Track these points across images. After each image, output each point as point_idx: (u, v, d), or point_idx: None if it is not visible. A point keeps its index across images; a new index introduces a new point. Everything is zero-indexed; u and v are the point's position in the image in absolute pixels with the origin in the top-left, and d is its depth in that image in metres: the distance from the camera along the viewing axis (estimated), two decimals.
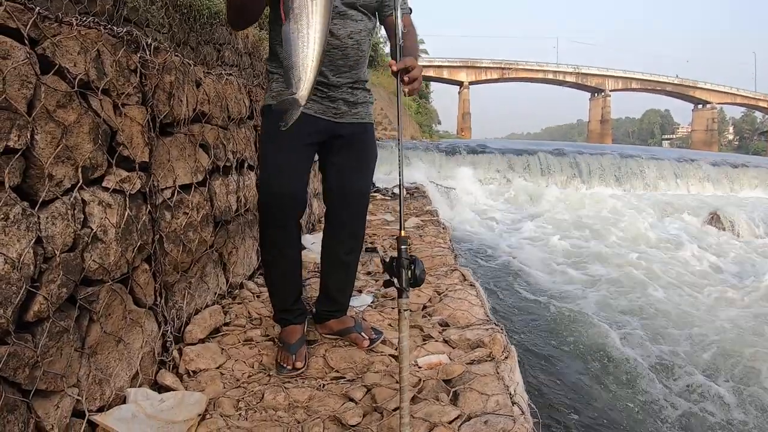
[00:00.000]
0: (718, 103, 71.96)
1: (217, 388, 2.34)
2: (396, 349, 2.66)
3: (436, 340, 2.80)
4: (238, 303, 3.18)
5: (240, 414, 2.18)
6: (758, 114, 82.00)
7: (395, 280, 1.92)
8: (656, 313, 6.16)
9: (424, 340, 2.82)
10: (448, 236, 5.23)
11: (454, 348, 2.72)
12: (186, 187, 2.73)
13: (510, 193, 15.61)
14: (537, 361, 4.37)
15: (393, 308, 3.21)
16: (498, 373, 2.46)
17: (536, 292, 6.48)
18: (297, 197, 2.42)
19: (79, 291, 1.86)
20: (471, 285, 3.64)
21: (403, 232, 1.95)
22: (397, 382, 2.34)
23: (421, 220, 6.16)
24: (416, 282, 1.90)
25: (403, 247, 1.91)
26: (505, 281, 6.74)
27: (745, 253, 10.47)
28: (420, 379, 2.38)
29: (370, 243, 5.09)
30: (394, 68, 2.15)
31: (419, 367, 2.51)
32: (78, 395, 1.84)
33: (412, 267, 1.88)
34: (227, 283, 3.28)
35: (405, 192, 7.64)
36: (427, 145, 19.58)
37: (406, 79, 2.16)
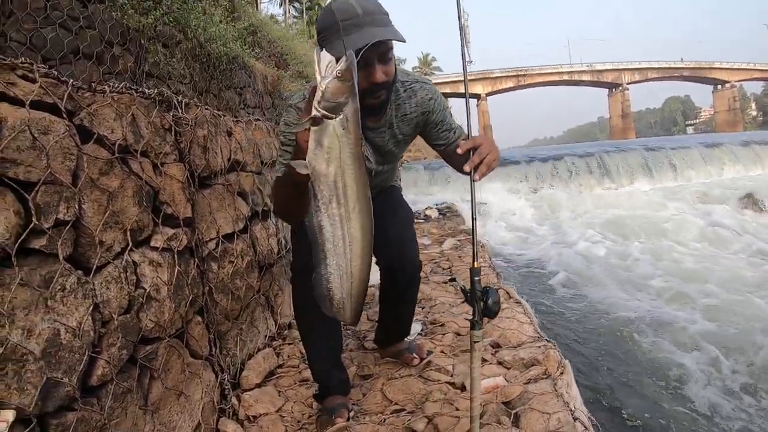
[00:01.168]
0: (737, 81, 70.98)
1: None
2: (452, 376, 2.65)
3: (491, 363, 2.78)
4: (289, 343, 3.20)
5: None
6: None
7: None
8: (716, 314, 6.01)
9: None
10: (487, 254, 5.20)
11: (509, 369, 2.70)
12: (229, 236, 2.78)
13: (541, 202, 15.46)
14: (593, 373, 4.32)
15: (443, 335, 3.21)
16: (556, 390, 2.44)
17: (583, 302, 6.38)
18: None
19: (139, 350, 1.89)
20: (517, 302, 3.62)
21: (476, 263, 1.89)
22: (457, 409, 2.34)
23: (458, 240, 6.14)
24: (489, 313, 1.82)
25: (476, 278, 1.85)
26: (550, 294, 6.64)
27: None
28: (480, 404, 2.37)
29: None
30: (467, 169, 1.84)
31: None
32: None
33: (485, 298, 1.81)
34: (276, 325, 3.31)
35: (437, 213, 7.63)
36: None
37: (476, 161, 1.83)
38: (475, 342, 1.81)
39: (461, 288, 1.87)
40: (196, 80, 5.33)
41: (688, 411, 3.93)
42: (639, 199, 14.93)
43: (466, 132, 2.21)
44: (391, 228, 2.42)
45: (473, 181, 1.85)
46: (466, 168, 1.83)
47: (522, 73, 71.63)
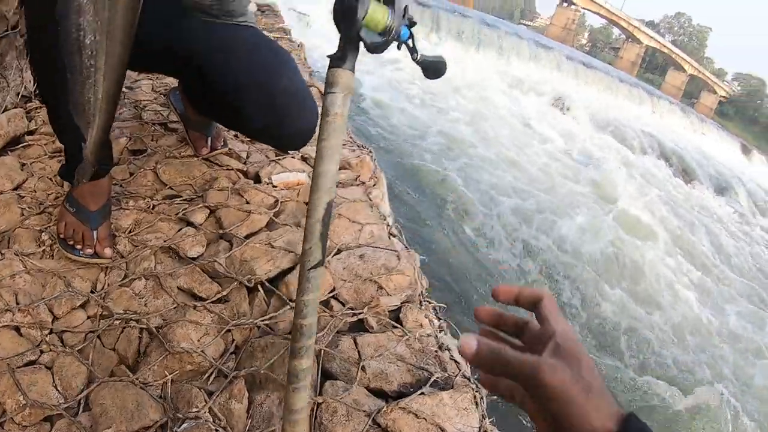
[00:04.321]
0: (583, 8, 73.12)
1: (13, 216, 1.73)
2: (244, 163, 2.16)
3: (293, 157, 2.30)
4: None
5: (43, 249, 1.63)
6: (616, 31, 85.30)
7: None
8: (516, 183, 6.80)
9: (276, 154, 2.30)
10: (303, 53, 4.60)
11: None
12: None
13: None
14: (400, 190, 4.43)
15: None
16: (370, 199, 2.07)
17: (394, 121, 6.61)
18: None
19: None
20: None
21: None
22: (248, 203, 1.89)
23: (274, 36, 5.46)
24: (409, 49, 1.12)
25: None
26: (366, 109, 6.73)
27: (585, 143, 11.78)
28: (277, 200, 1.92)
29: None
30: None
31: (274, 186, 2.04)
32: None
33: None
34: (35, 82, 2.54)
35: (255, 7, 6.93)
36: None
37: None
38: (338, 94, 1.01)
39: None
40: None
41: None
42: (462, 62, 15.64)
43: None
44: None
45: None
46: None
47: None
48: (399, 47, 1.11)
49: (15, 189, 1.87)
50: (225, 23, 1.65)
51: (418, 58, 1.15)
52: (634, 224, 7.84)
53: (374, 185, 2.28)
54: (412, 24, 1.10)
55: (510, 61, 21.24)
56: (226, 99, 1.63)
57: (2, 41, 2.23)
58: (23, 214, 1.75)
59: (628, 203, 8.50)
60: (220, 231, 1.74)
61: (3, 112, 2.23)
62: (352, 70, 1.04)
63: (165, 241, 1.68)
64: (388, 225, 1.98)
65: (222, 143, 2.19)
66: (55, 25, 1.00)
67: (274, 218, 1.82)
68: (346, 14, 1.03)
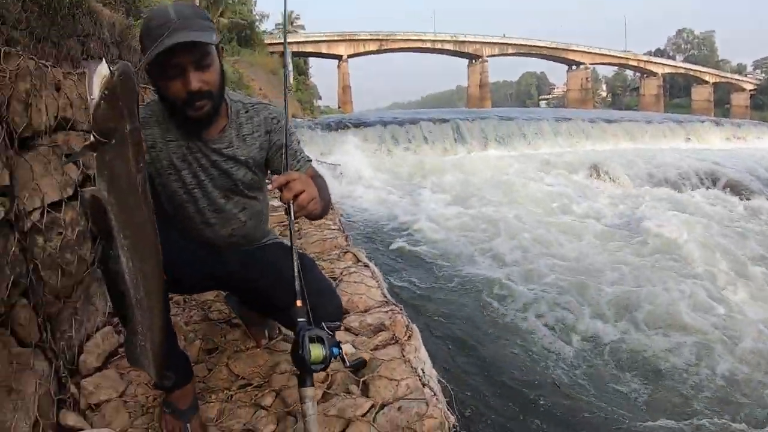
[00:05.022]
0: (591, 64, 74.84)
1: (123, 420, 2.20)
2: None
3: (338, 330, 2.75)
4: None
5: None
6: (629, 72, 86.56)
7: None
8: (560, 274, 6.43)
9: None
10: (338, 217, 5.11)
11: (356, 335, 2.71)
12: (56, 204, 2.49)
13: (397, 165, 15.58)
14: (442, 337, 4.43)
15: None
16: (404, 355, 2.48)
17: (434, 267, 6.49)
18: None
19: None
20: (365, 266, 3.63)
21: (299, 301, 1.76)
22: None
23: None
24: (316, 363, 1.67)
25: (300, 320, 1.72)
26: (401, 259, 6.68)
27: (628, 202, 11.41)
28: (328, 374, 2.34)
29: None
30: (273, 186, 1.70)
31: None
32: None
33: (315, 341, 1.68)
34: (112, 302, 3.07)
35: None
36: (308, 123, 19.30)
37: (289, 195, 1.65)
38: (305, 403, 1.70)
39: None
40: (33, 26, 4.86)
41: (535, 368, 4.16)
42: (491, 166, 15.63)
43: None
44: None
45: (291, 216, 1.72)
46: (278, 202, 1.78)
47: (386, 37, 71.62)
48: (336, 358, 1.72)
49: (120, 396, 2.35)
50: (257, 247, 2.31)
51: (347, 365, 1.81)
52: (701, 264, 7.13)
53: (408, 339, 2.67)
54: (337, 343, 1.73)
55: (537, 145, 21.57)
56: (264, 300, 2.27)
57: (86, 278, 2.75)
58: (130, 416, 2.22)
59: (693, 249, 7.94)
60: (286, 409, 2.18)
61: (96, 331, 2.73)
62: (312, 385, 1.71)
63: (244, 425, 2.12)
64: (420, 376, 2.35)
65: (277, 332, 2.72)
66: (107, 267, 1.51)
67: (327, 390, 2.24)
68: (300, 363, 1.67)
